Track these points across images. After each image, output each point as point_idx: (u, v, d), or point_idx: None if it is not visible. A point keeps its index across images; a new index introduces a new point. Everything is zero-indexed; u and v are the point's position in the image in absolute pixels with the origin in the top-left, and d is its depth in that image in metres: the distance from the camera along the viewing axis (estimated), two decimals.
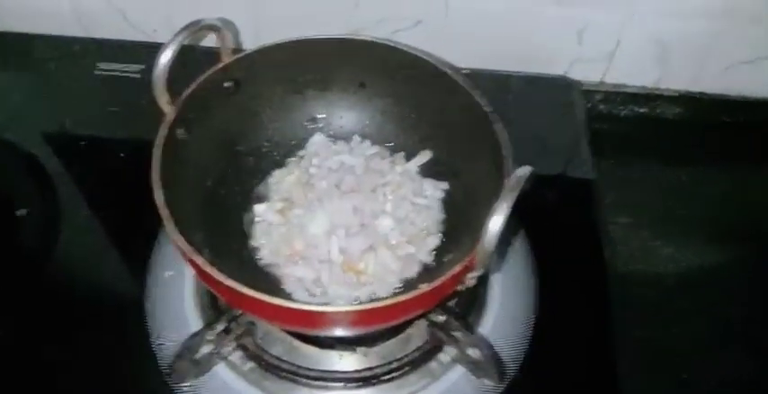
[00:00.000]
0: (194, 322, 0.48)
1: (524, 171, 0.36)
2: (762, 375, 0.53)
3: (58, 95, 0.66)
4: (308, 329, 0.44)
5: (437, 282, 0.36)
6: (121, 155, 0.61)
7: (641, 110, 0.70)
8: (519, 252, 0.53)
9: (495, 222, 0.34)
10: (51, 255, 0.56)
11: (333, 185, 0.49)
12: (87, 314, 0.52)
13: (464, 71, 0.65)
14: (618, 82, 0.69)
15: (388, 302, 0.36)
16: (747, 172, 0.66)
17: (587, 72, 0.68)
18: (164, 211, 0.40)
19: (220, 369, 0.47)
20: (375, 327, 0.42)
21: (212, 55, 0.48)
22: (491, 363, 0.42)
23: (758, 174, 0.66)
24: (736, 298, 0.58)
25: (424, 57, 0.48)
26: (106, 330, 0.51)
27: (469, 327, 0.44)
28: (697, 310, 0.57)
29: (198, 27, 0.44)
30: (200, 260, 0.37)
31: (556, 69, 0.68)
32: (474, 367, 0.44)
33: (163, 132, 0.43)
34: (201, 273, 0.38)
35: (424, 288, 0.36)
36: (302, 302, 0.43)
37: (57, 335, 0.51)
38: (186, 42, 0.43)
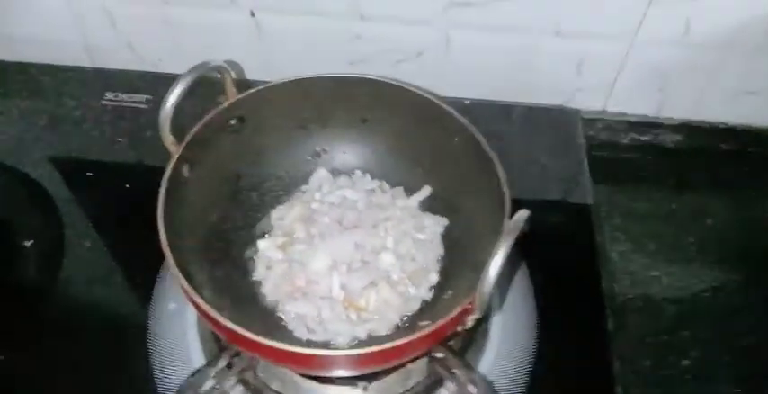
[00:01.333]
0: (197, 355, 0.49)
1: (523, 215, 0.37)
2: None
3: (66, 125, 0.67)
4: (308, 370, 0.44)
5: (436, 326, 0.37)
6: (127, 185, 0.62)
7: (643, 138, 0.70)
8: (519, 286, 0.54)
9: (494, 266, 0.35)
10: (55, 284, 0.57)
11: (335, 221, 0.50)
12: (90, 344, 0.53)
13: (465, 101, 0.67)
14: (619, 110, 0.69)
15: (388, 346, 0.36)
16: (748, 200, 0.66)
17: (588, 101, 0.69)
18: (167, 250, 0.40)
19: None
20: (374, 369, 0.42)
21: (218, 85, 0.49)
22: None
23: (759, 203, 0.66)
24: (738, 327, 0.58)
25: (425, 94, 0.49)
26: (109, 361, 0.52)
27: (468, 365, 0.44)
28: (698, 340, 0.57)
29: (204, 69, 0.45)
30: (201, 301, 0.38)
31: (556, 99, 0.68)
32: None
33: (167, 173, 0.43)
34: (203, 313, 0.39)
35: (424, 331, 0.37)
36: (301, 345, 0.43)
37: (59, 366, 0.51)
38: (191, 82, 0.44)
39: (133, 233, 0.57)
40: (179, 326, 0.51)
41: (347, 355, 0.36)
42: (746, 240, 0.64)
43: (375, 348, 0.36)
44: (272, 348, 0.37)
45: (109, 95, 0.69)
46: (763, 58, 0.62)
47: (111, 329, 0.54)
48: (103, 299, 0.56)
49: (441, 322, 0.37)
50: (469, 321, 0.38)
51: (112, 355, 0.52)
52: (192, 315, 0.52)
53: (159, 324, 0.52)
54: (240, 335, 0.37)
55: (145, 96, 0.68)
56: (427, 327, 0.37)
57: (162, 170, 0.44)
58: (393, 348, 0.36)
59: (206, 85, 0.48)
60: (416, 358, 0.43)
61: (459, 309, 0.37)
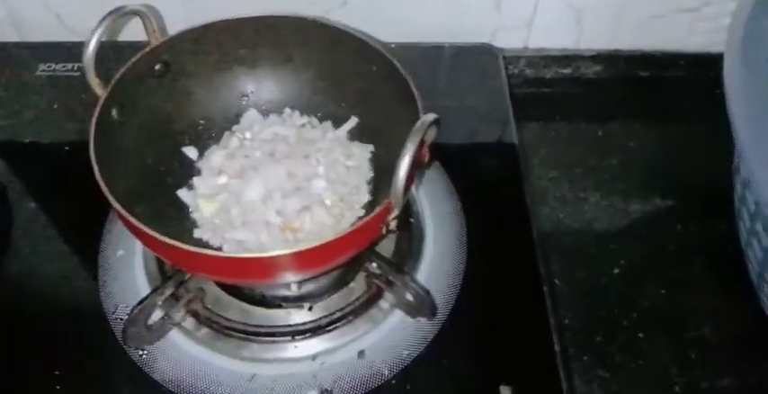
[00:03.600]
0: (146, 292, 0.51)
1: (429, 117, 0.39)
2: (677, 306, 0.57)
3: (2, 99, 0.68)
4: (249, 278, 0.46)
5: (359, 224, 0.39)
6: (66, 148, 0.63)
7: (564, 71, 0.74)
8: (450, 208, 0.57)
9: (403, 163, 0.38)
10: (6, 255, 0.57)
11: (267, 154, 0.52)
12: (46, 303, 0.54)
13: (391, 45, 0.69)
14: (540, 46, 0.73)
15: (317, 244, 0.39)
16: (665, 123, 0.71)
17: (510, 39, 0.72)
18: (102, 184, 0.42)
19: (175, 335, 0.49)
20: (311, 270, 0.44)
21: (142, 48, 0.50)
22: (423, 301, 0.45)
23: (677, 126, 0.70)
24: (661, 237, 0.62)
25: (344, 28, 0.51)
26: (66, 314, 0.53)
27: (403, 272, 0.47)
28: (625, 251, 0.61)
29: (122, 12, 0.46)
30: (140, 225, 0.40)
31: (479, 39, 0.71)
32: (409, 308, 0.47)
33: (96, 114, 0.45)
34: (144, 237, 0.41)
35: (351, 229, 0.40)
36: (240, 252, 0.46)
37: (17, 327, 0.53)
38: (111, 26, 0.45)
39: (76, 194, 0.58)
40: (128, 269, 0.53)
41: (281, 255, 0.38)
42: (665, 159, 0.68)
43: (306, 245, 0.38)
44: (210, 258, 0.39)
45: (42, 67, 0.70)
46: None
47: (64, 284, 0.55)
48: (53, 258, 0.57)
49: (365, 220, 0.39)
50: (392, 221, 0.41)
51: (66, 307, 0.54)
52: (138, 258, 0.53)
53: (108, 271, 0.54)
54: (180, 249, 0.39)
55: (77, 64, 0.69)
56: (353, 226, 0.39)
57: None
58: (323, 245, 0.39)
59: (132, 49, 0.50)
60: (354, 271, 0.46)
61: (379, 208, 0.40)
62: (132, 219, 0.40)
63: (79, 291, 0.54)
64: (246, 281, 0.47)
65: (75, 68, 0.69)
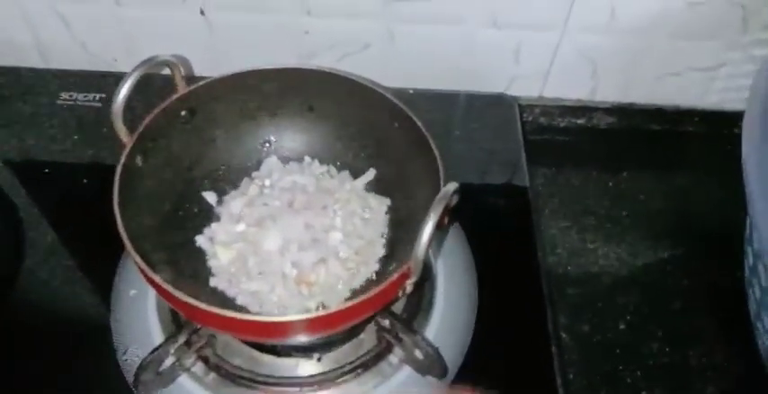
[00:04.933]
0: (158, 337, 0.51)
1: (451, 186, 0.40)
2: (682, 363, 0.58)
3: (22, 125, 0.68)
4: (264, 338, 0.47)
5: (378, 289, 0.40)
6: (84, 180, 0.64)
7: (578, 121, 0.75)
8: (461, 259, 0.57)
9: (426, 232, 0.38)
10: (16, 282, 0.58)
11: (285, 204, 0.53)
12: (55, 337, 0.54)
13: (409, 91, 0.70)
14: (555, 96, 0.74)
15: (334, 310, 0.39)
16: (676, 176, 0.71)
17: (526, 88, 0.73)
18: (124, 235, 0.43)
19: (184, 380, 0.50)
20: (325, 333, 0.45)
21: (169, 81, 0.51)
22: (433, 361, 0.46)
23: (687, 178, 0.71)
24: (668, 293, 0.62)
25: (366, 83, 0.52)
26: (75, 350, 0.53)
27: (413, 330, 0.47)
28: (632, 306, 0.61)
29: (153, 63, 0.47)
30: (157, 278, 0.40)
31: (496, 87, 0.72)
32: (419, 366, 0.48)
33: (121, 162, 0.46)
34: (160, 291, 0.41)
35: (368, 295, 0.40)
36: (255, 314, 0.46)
37: (26, 359, 0.53)
38: (141, 76, 0.46)
39: (92, 227, 0.59)
40: (140, 311, 0.53)
41: (297, 320, 0.39)
42: (675, 214, 0.69)
43: (323, 312, 0.39)
44: (227, 318, 0.39)
45: (64, 95, 0.70)
46: (682, 41, 0.67)
47: (75, 319, 0.56)
48: (66, 292, 0.58)
49: (382, 286, 0.40)
50: (409, 285, 0.42)
51: (78, 344, 0.54)
52: (151, 300, 0.54)
53: (120, 310, 0.54)
54: (197, 308, 0.40)
55: (100, 95, 0.70)
56: (370, 291, 0.40)
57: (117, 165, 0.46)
58: (340, 311, 0.39)
59: (157, 85, 0.51)
60: (365, 322, 0.47)
61: (397, 274, 0.40)
62: (155, 277, 0.40)
63: (89, 330, 0.55)
64: (260, 339, 0.48)
65: (97, 99, 0.70)
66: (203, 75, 0.68)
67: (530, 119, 0.74)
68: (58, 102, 0.70)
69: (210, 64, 0.69)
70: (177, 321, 0.52)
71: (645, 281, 0.63)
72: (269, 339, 0.47)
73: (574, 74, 0.71)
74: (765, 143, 0.48)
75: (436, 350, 0.46)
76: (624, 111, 0.74)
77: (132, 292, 0.54)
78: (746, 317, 0.57)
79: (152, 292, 0.54)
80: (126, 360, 0.51)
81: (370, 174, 0.55)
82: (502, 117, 0.70)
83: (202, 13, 0.67)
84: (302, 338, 0.45)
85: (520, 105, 0.72)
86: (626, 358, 0.58)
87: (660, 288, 0.63)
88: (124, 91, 0.45)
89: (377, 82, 0.53)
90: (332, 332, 0.45)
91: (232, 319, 0.40)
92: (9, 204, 0.63)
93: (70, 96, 0.70)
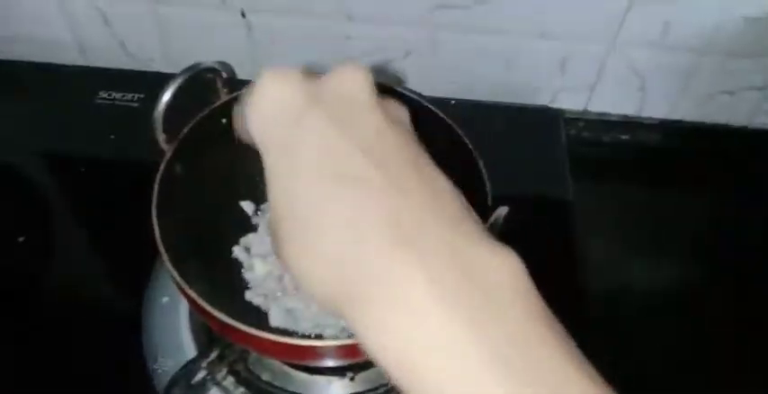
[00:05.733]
0: (189, 347, 0.50)
1: (502, 211, 0.39)
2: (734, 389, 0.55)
3: (59, 123, 0.68)
4: (297, 360, 0.46)
5: None
6: (119, 180, 0.63)
7: (623, 137, 0.72)
8: None
9: None
10: (48, 280, 0.58)
11: None
12: (84, 340, 0.54)
13: (451, 101, 0.69)
14: (601, 110, 0.71)
15: None
16: (722, 197, 0.69)
17: (571, 101, 0.71)
18: (160, 245, 0.42)
19: (214, 393, 0.49)
20: (361, 359, 0.44)
21: (208, 84, 0.50)
22: None
23: (733, 200, 0.69)
24: (707, 316, 0.60)
25: (411, 94, 0.50)
26: (103, 355, 0.53)
27: None
28: (670, 328, 0.59)
29: (197, 69, 0.46)
30: (192, 294, 0.39)
31: (540, 99, 0.70)
32: None
33: (161, 170, 0.45)
34: (195, 305, 0.40)
35: None
36: (290, 336, 0.45)
37: (53, 362, 0.53)
38: (183, 82, 0.45)
39: (125, 230, 0.58)
40: (172, 319, 0.53)
41: (334, 346, 0.38)
42: (720, 237, 0.66)
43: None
44: (262, 339, 0.38)
45: (102, 94, 0.70)
46: (737, 59, 0.64)
47: (104, 324, 0.55)
48: (97, 295, 0.58)
49: None
50: None
51: (106, 350, 0.53)
52: (184, 309, 0.53)
53: (152, 318, 0.53)
54: (231, 326, 0.38)
55: (137, 95, 0.69)
56: None
57: (153, 167, 0.45)
58: None
59: (198, 88, 0.50)
60: None
61: None
62: (190, 292, 0.39)
63: (119, 334, 0.54)
64: (293, 361, 0.47)
65: (135, 99, 0.69)
66: (242, 78, 0.67)
67: (573, 132, 0.72)
68: (97, 100, 0.69)
69: (249, 67, 0.68)
70: (210, 332, 0.51)
71: (684, 306, 0.61)
72: (302, 361, 0.46)
73: (621, 88, 0.69)
74: None
75: None
76: (671, 129, 0.71)
77: (164, 299, 0.54)
78: None
79: (184, 301, 0.53)
80: (156, 369, 0.50)
81: None
82: (546, 130, 0.69)
83: (243, 15, 0.66)
84: (337, 362, 0.44)
85: (564, 119, 0.70)
86: (660, 388, 0.56)
87: (700, 315, 0.61)
88: (166, 98, 0.44)
89: (417, 91, 0.52)
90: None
91: (265, 340, 0.39)
92: (43, 202, 0.63)
93: (108, 95, 0.70)
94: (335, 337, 0.47)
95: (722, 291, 0.62)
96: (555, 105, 0.70)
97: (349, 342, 0.37)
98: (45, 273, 0.59)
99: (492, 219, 0.38)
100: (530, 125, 0.69)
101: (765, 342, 0.58)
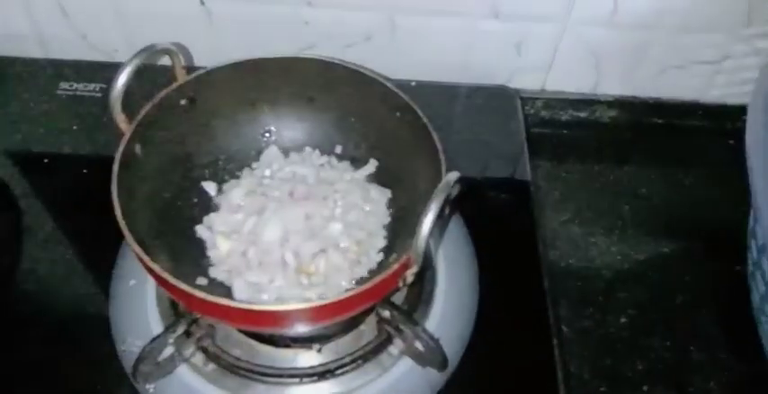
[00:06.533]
0: (157, 327, 0.51)
1: (452, 176, 0.40)
2: (683, 359, 0.57)
3: (21, 115, 0.68)
4: (262, 328, 0.47)
5: (379, 279, 0.40)
6: (84, 170, 0.64)
7: (580, 114, 0.74)
8: (462, 252, 0.57)
9: (426, 221, 0.38)
10: (15, 271, 0.58)
11: (286, 194, 0.52)
12: (54, 326, 0.54)
13: (411, 83, 0.70)
14: (557, 89, 0.73)
15: (334, 299, 0.39)
16: (678, 170, 0.71)
17: (528, 81, 0.72)
18: (122, 223, 0.42)
19: (183, 370, 0.49)
20: (325, 323, 0.45)
21: (167, 72, 0.51)
22: (434, 353, 0.45)
23: (689, 173, 0.71)
24: (669, 287, 0.62)
25: (367, 72, 0.52)
26: (73, 340, 0.53)
27: (414, 321, 0.47)
28: (633, 300, 0.61)
29: (152, 51, 0.47)
30: (156, 267, 0.40)
31: (498, 79, 0.72)
32: (419, 357, 0.47)
33: (120, 150, 0.45)
34: (159, 280, 0.41)
35: (368, 284, 0.40)
36: (256, 303, 0.46)
37: (25, 349, 0.53)
38: (140, 65, 0.46)
39: (91, 217, 0.59)
40: (139, 301, 0.53)
41: (296, 309, 0.39)
42: (677, 208, 0.68)
43: (322, 301, 0.39)
44: (227, 307, 0.39)
45: (64, 85, 0.70)
46: (686, 34, 0.66)
47: (74, 309, 0.56)
48: (65, 281, 0.58)
49: (382, 275, 0.40)
50: (409, 276, 0.41)
51: (76, 333, 0.54)
52: (151, 290, 0.53)
53: (119, 300, 0.54)
54: (197, 297, 0.39)
55: (100, 85, 0.69)
56: (371, 281, 0.40)
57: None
58: (340, 301, 0.39)
59: (156, 76, 0.51)
60: (365, 313, 0.46)
61: (398, 264, 0.40)
62: (154, 266, 0.40)
63: (88, 319, 0.55)
64: (258, 328, 0.48)
65: (98, 89, 0.69)
66: (203, 65, 0.68)
67: (532, 112, 0.74)
68: (58, 92, 0.69)
69: (210, 54, 0.68)
70: (177, 311, 0.52)
71: (646, 275, 0.63)
72: (267, 328, 0.47)
73: (576, 67, 0.71)
74: None
75: (437, 341, 0.46)
76: (626, 105, 0.74)
77: (132, 282, 0.54)
78: (749, 311, 0.56)
79: (151, 282, 0.54)
80: (124, 350, 0.51)
81: (372, 165, 0.55)
82: (504, 110, 0.70)
83: (202, 2, 0.66)
84: (302, 328, 0.45)
85: (522, 98, 0.72)
86: (627, 352, 0.58)
87: (662, 282, 0.62)
88: (123, 78, 0.45)
89: (378, 73, 0.53)
90: (332, 322, 0.45)
91: (230, 308, 0.39)
92: (8, 194, 0.63)
93: (70, 86, 0.70)
94: None
95: (680, 261, 0.64)
96: (512, 85, 0.72)
97: (311, 305, 0.38)
98: (11, 263, 0.59)
99: (442, 183, 0.39)
100: (488, 105, 0.70)
101: (719, 308, 0.60)
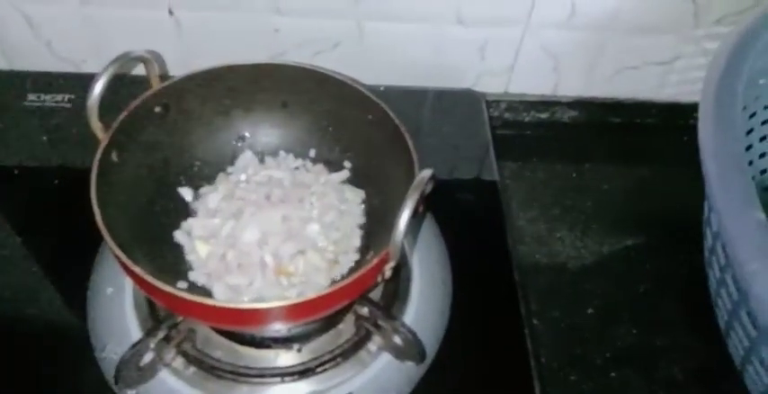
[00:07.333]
0: (136, 333, 0.51)
1: (426, 173, 0.42)
2: (648, 345, 0.60)
3: None
4: (244, 326, 0.47)
5: (357, 275, 0.41)
6: (55, 182, 0.63)
7: (542, 115, 0.77)
8: (435, 249, 0.59)
9: (403, 217, 0.40)
10: None
11: (263, 197, 0.53)
12: (30, 338, 0.54)
13: (380, 88, 0.72)
14: (520, 91, 0.76)
15: (315, 296, 0.40)
16: (637, 166, 0.74)
17: (492, 84, 0.75)
18: (102, 228, 0.43)
19: (164, 375, 0.50)
20: (306, 319, 0.46)
21: (140, 83, 0.51)
22: (412, 346, 0.47)
23: (646, 169, 0.74)
24: (633, 277, 0.65)
25: (339, 77, 0.53)
26: (51, 350, 0.53)
27: (392, 316, 0.49)
28: (599, 291, 0.63)
29: (127, 58, 0.48)
30: (137, 269, 0.41)
31: (464, 83, 0.74)
32: (398, 352, 0.49)
33: (97, 157, 0.46)
34: (140, 282, 0.42)
35: (348, 280, 0.41)
36: (237, 302, 0.47)
37: (2, 362, 0.53)
38: (115, 72, 0.46)
39: (64, 228, 0.59)
40: (117, 308, 0.53)
41: (277, 307, 0.40)
42: (637, 202, 0.71)
43: (304, 298, 0.40)
44: (208, 307, 0.40)
45: (31, 97, 0.70)
46: (638, 35, 0.70)
47: (50, 321, 0.55)
48: (39, 294, 0.57)
49: (362, 271, 0.41)
50: (387, 270, 0.43)
51: (52, 344, 0.54)
52: (128, 297, 0.54)
53: (97, 308, 0.54)
54: (178, 297, 0.40)
55: (68, 96, 0.69)
56: (351, 276, 0.41)
57: (88, 167, 0.46)
58: (320, 297, 0.40)
59: (129, 86, 0.51)
60: (343, 312, 0.48)
61: (377, 259, 0.41)
62: (136, 268, 0.40)
63: (66, 328, 0.55)
64: (240, 327, 0.49)
65: (66, 100, 0.69)
66: (173, 74, 0.68)
67: (496, 114, 0.76)
68: (25, 103, 0.69)
69: (181, 63, 0.70)
70: (155, 317, 0.52)
71: (610, 267, 0.66)
72: (250, 327, 0.48)
73: (537, 69, 0.73)
74: (719, 130, 0.50)
75: (415, 335, 0.47)
76: (585, 105, 0.77)
77: (109, 290, 0.54)
78: (707, 299, 0.59)
79: (129, 290, 0.54)
80: (105, 357, 0.51)
81: (345, 172, 0.56)
82: (470, 112, 0.72)
83: (171, 12, 0.67)
84: (283, 326, 0.46)
85: (486, 101, 0.74)
86: (595, 341, 0.60)
87: (625, 274, 0.65)
88: (100, 86, 0.45)
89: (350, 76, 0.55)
90: (313, 318, 0.46)
91: (212, 308, 0.40)
92: None
93: (38, 98, 0.69)
94: None
95: (641, 253, 0.67)
96: (478, 88, 0.74)
97: (293, 302, 0.40)
98: None
99: (417, 180, 0.41)
100: (455, 108, 0.73)
101: (680, 295, 0.63)
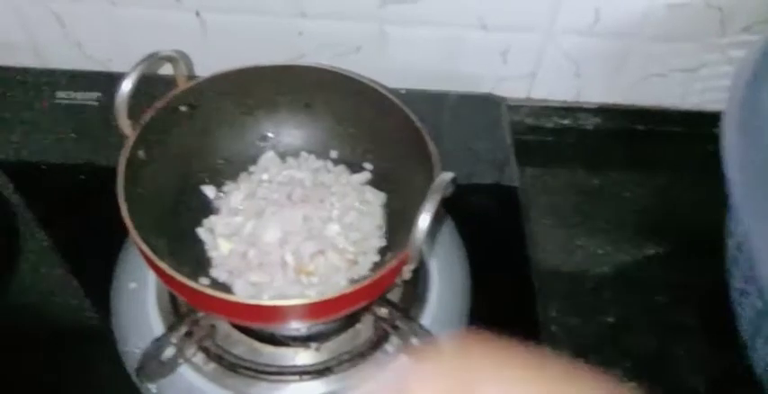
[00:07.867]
0: (158, 328, 0.52)
1: (447, 175, 0.42)
2: (667, 354, 0.60)
3: (18, 124, 0.69)
4: (265, 323, 0.48)
5: (377, 275, 0.41)
6: (82, 179, 0.65)
7: (564, 122, 0.77)
8: (455, 254, 0.59)
9: (423, 219, 0.40)
10: (13, 279, 0.59)
11: (284, 197, 0.54)
12: (54, 332, 0.56)
13: (401, 91, 0.72)
14: (541, 97, 0.76)
15: (336, 295, 0.41)
16: (659, 174, 0.74)
17: (514, 89, 0.75)
18: (128, 222, 0.44)
19: (184, 370, 0.50)
20: (326, 318, 0.46)
21: (165, 82, 0.52)
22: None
23: (671, 178, 0.73)
24: (652, 287, 0.64)
25: (362, 79, 0.54)
26: (75, 344, 0.54)
27: (410, 318, 0.49)
28: (618, 300, 0.63)
29: (156, 58, 0.49)
30: (162, 264, 0.41)
31: (484, 88, 0.74)
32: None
33: (125, 153, 0.47)
34: (164, 277, 0.42)
35: (367, 280, 0.42)
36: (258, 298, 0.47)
37: (26, 354, 0.54)
38: (144, 71, 0.47)
39: (90, 225, 0.60)
40: (140, 303, 0.54)
41: (299, 304, 0.40)
42: (659, 211, 0.71)
43: (325, 296, 0.40)
44: (231, 303, 0.41)
45: (60, 94, 0.71)
46: (663, 43, 0.69)
47: (75, 315, 0.57)
48: (65, 289, 0.59)
49: (381, 271, 0.41)
50: (406, 272, 0.43)
51: (76, 339, 0.55)
52: (151, 292, 0.54)
53: (120, 303, 0.55)
54: (201, 293, 0.41)
55: (96, 94, 0.71)
56: (369, 277, 0.41)
57: (114, 165, 0.47)
58: (341, 296, 0.40)
59: (155, 85, 0.52)
60: (361, 312, 0.48)
61: (396, 260, 0.42)
62: (160, 263, 0.41)
63: (90, 322, 0.56)
64: (260, 324, 0.49)
65: (94, 98, 0.70)
66: (197, 74, 0.69)
67: (517, 119, 0.76)
68: (55, 101, 0.70)
69: (204, 64, 0.70)
70: (177, 313, 0.53)
71: (629, 275, 0.65)
72: (270, 324, 0.48)
73: (559, 75, 0.73)
74: (744, 139, 0.50)
75: (433, 337, 0.47)
76: (608, 112, 0.76)
77: (132, 285, 0.55)
78: (728, 309, 0.59)
79: (152, 285, 0.55)
80: (127, 351, 0.52)
81: (366, 173, 0.57)
82: (490, 117, 0.72)
83: (197, 14, 0.68)
84: (303, 324, 0.46)
85: (508, 106, 0.74)
86: (613, 350, 0.60)
87: (644, 282, 0.65)
88: (129, 84, 0.46)
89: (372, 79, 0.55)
90: (332, 317, 0.46)
91: (235, 304, 0.41)
92: (5, 202, 0.64)
93: (67, 95, 0.71)
94: None
95: (662, 261, 0.67)
96: (498, 93, 0.74)
97: (315, 300, 0.40)
98: (10, 271, 0.59)
99: (437, 182, 0.41)
100: (476, 112, 0.73)
101: (700, 304, 0.63)
